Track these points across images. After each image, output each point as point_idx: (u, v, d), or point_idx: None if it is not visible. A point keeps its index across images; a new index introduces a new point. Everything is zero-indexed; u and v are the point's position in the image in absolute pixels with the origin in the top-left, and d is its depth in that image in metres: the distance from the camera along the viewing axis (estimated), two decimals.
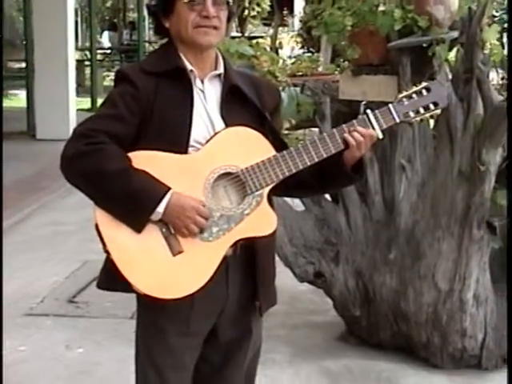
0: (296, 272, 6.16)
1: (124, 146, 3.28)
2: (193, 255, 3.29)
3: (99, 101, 15.57)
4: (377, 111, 3.43)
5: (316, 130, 6.19)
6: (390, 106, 3.44)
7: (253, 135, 3.40)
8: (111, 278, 3.34)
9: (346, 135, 3.38)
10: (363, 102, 5.40)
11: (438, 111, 3.52)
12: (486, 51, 5.79)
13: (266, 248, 3.50)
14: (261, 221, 3.37)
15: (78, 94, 16.61)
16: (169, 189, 3.23)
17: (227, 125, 3.40)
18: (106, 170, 3.21)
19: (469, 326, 5.75)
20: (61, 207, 10.35)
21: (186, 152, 3.32)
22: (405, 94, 3.48)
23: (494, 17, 5.90)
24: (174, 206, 3.21)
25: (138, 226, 3.25)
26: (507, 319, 4.09)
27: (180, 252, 3.28)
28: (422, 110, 3.46)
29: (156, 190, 3.22)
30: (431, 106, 3.47)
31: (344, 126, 3.42)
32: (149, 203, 3.22)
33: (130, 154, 3.27)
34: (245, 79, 3.58)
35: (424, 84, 3.50)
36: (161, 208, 3.20)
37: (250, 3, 22.97)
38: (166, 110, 3.35)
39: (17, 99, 19.46)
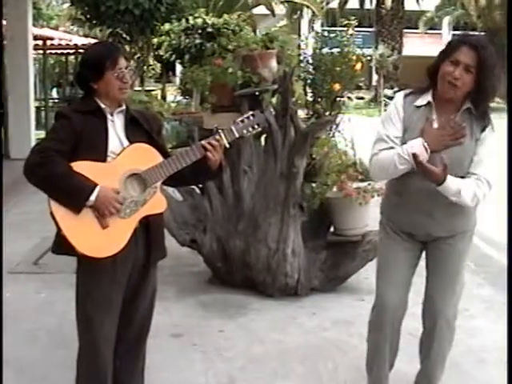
0: (178, 239, 6.07)
1: (65, 158, 3.23)
2: (115, 228, 3.26)
3: None
4: (224, 130, 3.46)
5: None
6: (232, 126, 3.47)
7: (148, 148, 3.40)
8: (61, 246, 3.30)
9: (205, 144, 3.41)
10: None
11: (260, 129, 3.54)
12: (295, 97, 5.82)
13: (156, 221, 3.47)
14: (157, 203, 3.37)
15: (37, 128, 16.20)
16: (96, 185, 3.20)
17: (131, 142, 3.39)
18: (56, 173, 3.18)
19: (289, 270, 5.72)
20: (28, 203, 9.99)
21: (105, 159, 3.30)
22: (240, 119, 3.50)
23: (299, 76, 5.97)
24: (101, 196, 3.19)
25: (77, 209, 3.21)
26: (507, 319, 3.91)
27: (107, 226, 3.24)
28: (250, 129, 3.49)
29: (89, 186, 3.20)
30: (256, 126, 3.50)
31: (204, 140, 3.46)
32: (84, 195, 3.19)
33: (71, 164, 3.22)
34: (139, 114, 3.59)
35: (250, 112, 3.53)
36: (92, 197, 3.18)
37: (147, 68, 22.76)
38: (90, 134, 3.32)
39: None
